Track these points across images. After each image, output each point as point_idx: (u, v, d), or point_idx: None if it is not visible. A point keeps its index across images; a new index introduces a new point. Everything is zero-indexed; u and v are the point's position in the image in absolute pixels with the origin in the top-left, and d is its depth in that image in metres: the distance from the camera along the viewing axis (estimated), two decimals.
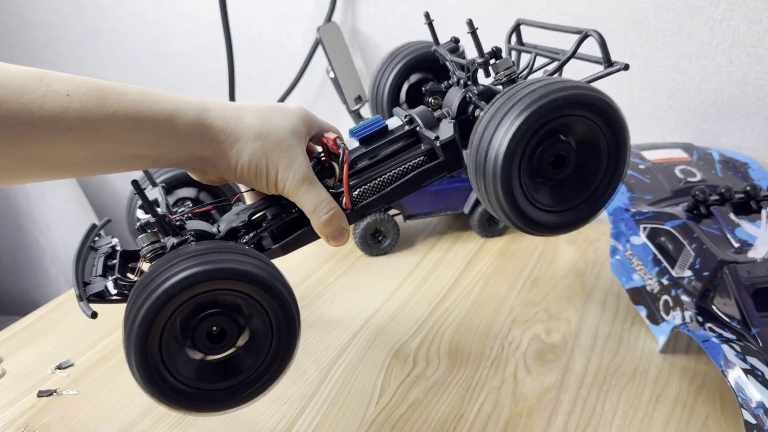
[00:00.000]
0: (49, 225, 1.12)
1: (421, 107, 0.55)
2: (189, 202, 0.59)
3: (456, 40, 0.58)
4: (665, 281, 0.67)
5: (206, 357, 0.42)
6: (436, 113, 0.54)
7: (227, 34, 1.07)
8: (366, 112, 1.01)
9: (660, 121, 0.90)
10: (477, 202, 0.90)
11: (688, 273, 0.65)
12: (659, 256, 0.69)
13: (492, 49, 0.51)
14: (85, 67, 1.29)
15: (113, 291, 0.46)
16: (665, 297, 0.67)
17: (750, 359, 0.56)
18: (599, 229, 0.93)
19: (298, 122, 0.50)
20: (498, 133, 0.43)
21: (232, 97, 1.11)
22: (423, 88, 0.64)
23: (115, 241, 0.51)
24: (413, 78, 0.64)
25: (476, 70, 0.54)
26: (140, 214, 0.47)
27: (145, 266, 0.47)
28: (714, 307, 0.62)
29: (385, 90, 0.63)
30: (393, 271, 0.84)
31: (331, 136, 0.51)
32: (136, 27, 1.23)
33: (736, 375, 0.55)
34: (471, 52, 0.54)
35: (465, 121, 0.53)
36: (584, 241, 0.90)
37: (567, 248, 0.88)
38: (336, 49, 1.00)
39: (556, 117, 0.43)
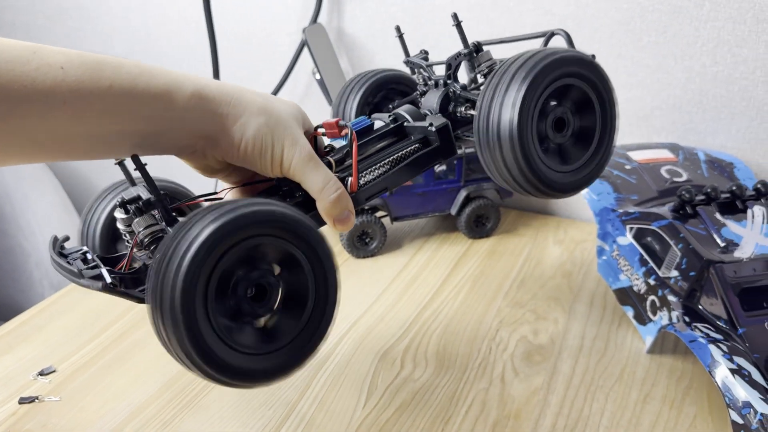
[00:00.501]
0: (33, 229, 1.10)
1: (406, 105, 0.56)
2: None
3: (426, 52, 0.62)
4: (652, 281, 0.67)
5: (251, 318, 0.38)
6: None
7: (212, 35, 1.06)
8: None
9: (646, 121, 0.90)
10: (464, 204, 0.90)
11: (674, 273, 0.65)
12: (646, 256, 0.69)
13: (473, 43, 0.55)
14: None
15: (109, 279, 0.43)
16: (652, 297, 0.67)
17: (737, 359, 0.56)
18: (586, 229, 0.93)
19: (296, 110, 0.50)
20: (508, 97, 0.46)
21: None
22: (390, 107, 0.64)
23: (85, 248, 0.49)
24: (378, 97, 0.65)
25: (458, 66, 0.56)
26: (118, 214, 0.45)
27: (140, 253, 0.45)
28: (701, 307, 0.62)
29: (352, 110, 0.63)
30: (380, 273, 0.83)
31: (330, 120, 0.51)
32: (121, 28, 1.22)
33: (723, 375, 0.55)
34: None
35: (448, 118, 0.55)
36: (571, 242, 0.90)
37: (554, 248, 0.88)
38: (322, 50, 0.99)
39: (557, 78, 0.47)
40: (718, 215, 0.68)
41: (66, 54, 0.40)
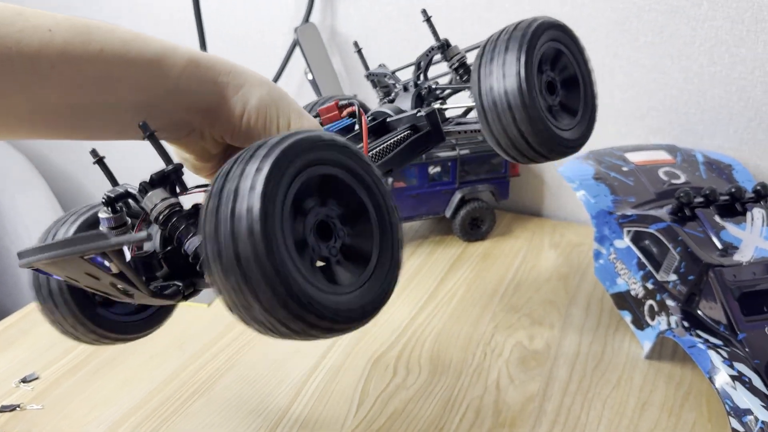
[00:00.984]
0: (20, 232, 1.08)
1: (386, 105, 0.57)
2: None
3: (384, 66, 0.66)
4: (650, 285, 0.66)
5: (315, 257, 0.34)
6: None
7: (201, 35, 1.04)
8: None
9: (642, 121, 0.89)
10: (459, 206, 0.88)
11: (673, 277, 0.63)
12: (643, 259, 0.68)
13: (442, 40, 0.58)
14: None
15: (128, 256, 0.38)
16: (650, 302, 0.66)
17: (737, 365, 0.55)
18: (582, 232, 0.91)
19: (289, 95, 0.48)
20: (509, 66, 0.48)
21: None
22: None
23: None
24: None
25: (429, 63, 0.59)
26: (103, 214, 0.41)
27: (149, 230, 0.41)
28: (700, 311, 0.61)
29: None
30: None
31: (327, 104, 0.50)
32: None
33: (723, 381, 0.54)
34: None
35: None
36: (567, 245, 0.88)
37: (550, 252, 0.87)
38: (314, 50, 0.98)
39: (544, 42, 0.50)
40: (717, 218, 0.67)
41: (54, 17, 0.37)
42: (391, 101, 0.59)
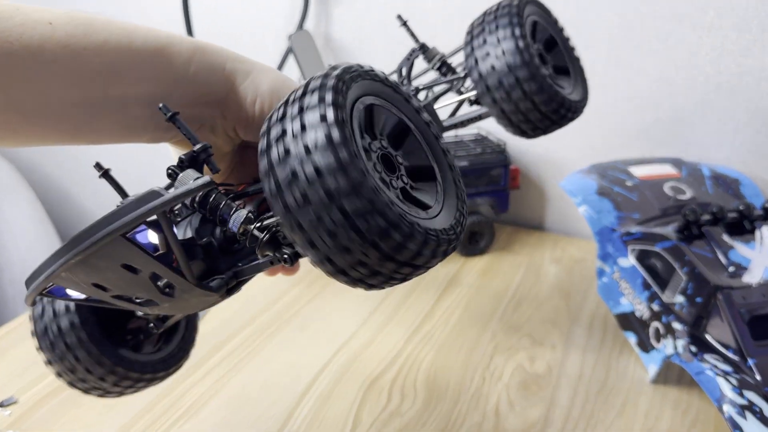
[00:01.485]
0: (7, 244, 1.05)
1: None
2: None
3: None
4: (655, 307, 0.63)
5: (397, 186, 0.32)
6: None
7: None
8: None
9: (646, 133, 0.86)
10: None
11: (679, 299, 0.61)
12: (649, 279, 0.65)
13: (419, 43, 0.60)
14: None
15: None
16: (656, 324, 0.63)
17: (747, 393, 0.52)
18: (584, 247, 0.89)
19: None
20: (504, 41, 0.50)
21: None
22: None
23: None
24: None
25: (411, 67, 0.61)
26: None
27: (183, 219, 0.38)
28: (708, 335, 0.58)
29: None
30: (367, 294, 0.79)
31: None
32: None
33: (732, 411, 0.51)
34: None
35: None
36: (569, 260, 0.86)
37: (551, 267, 0.84)
38: (308, 57, 0.95)
39: (527, 16, 0.53)
40: (725, 236, 0.64)
41: (52, 11, 0.35)
42: None
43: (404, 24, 0.61)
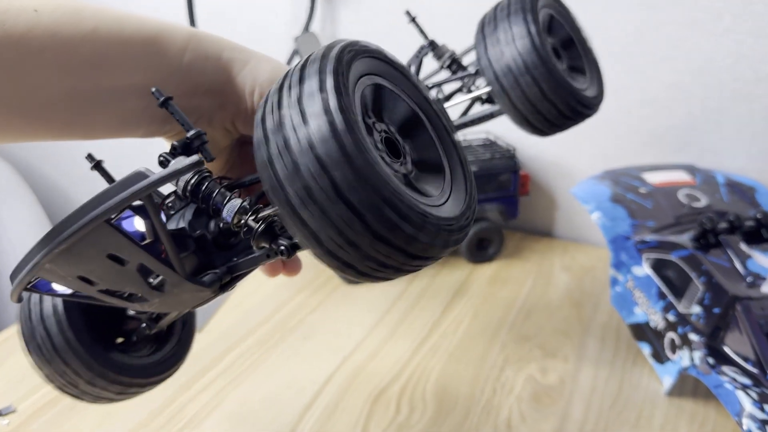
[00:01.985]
0: (5, 247, 1.03)
1: None
2: None
3: None
4: (671, 317, 0.61)
5: (401, 172, 0.30)
6: None
7: None
8: None
9: (660, 140, 0.84)
10: None
11: (696, 309, 0.59)
12: (664, 289, 0.63)
13: (428, 41, 0.59)
14: None
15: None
16: (671, 334, 0.61)
17: None
18: (595, 254, 0.87)
19: None
20: (516, 27, 0.48)
21: None
22: None
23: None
24: None
25: (420, 64, 0.59)
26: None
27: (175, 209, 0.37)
28: (726, 347, 0.57)
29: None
30: (374, 302, 0.77)
31: None
32: None
33: (753, 426, 0.49)
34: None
35: None
36: (580, 269, 0.84)
37: (561, 275, 0.82)
38: None
39: (542, 7, 0.51)
40: (743, 245, 0.62)
41: None
42: None
43: (413, 20, 0.59)
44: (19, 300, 0.33)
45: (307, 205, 0.25)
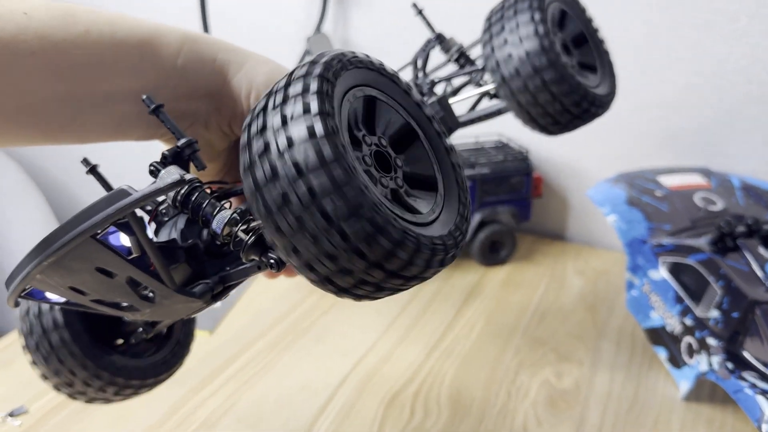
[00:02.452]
0: (12, 248, 1.03)
1: None
2: None
3: None
4: (688, 322, 0.61)
5: (389, 187, 0.29)
6: None
7: None
8: None
9: (673, 142, 0.84)
10: (478, 229, 0.83)
11: (714, 313, 0.58)
12: (681, 293, 0.63)
13: (436, 33, 0.57)
14: None
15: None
16: (688, 339, 0.61)
17: None
18: (608, 258, 0.86)
19: None
20: (523, 27, 0.46)
21: None
22: None
23: None
24: None
25: (427, 58, 0.58)
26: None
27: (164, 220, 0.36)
28: (745, 352, 0.56)
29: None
30: (386, 305, 0.77)
31: None
32: None
33: None
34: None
35: None
36: (593, 272, 0.83)
37: (575, 279, 0.82)
38: None
39: (550, 3, 0.49)
40: (761, 249, 0.62)
41: (28, 0, 0.33)
42: None
43: (420, 12, 0.58)
44: (16, 305, 0.33)
45: (284, 212, 0.24)
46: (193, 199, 0.31)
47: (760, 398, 0.51)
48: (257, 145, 0.25)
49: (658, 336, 0.65)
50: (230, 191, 0.36)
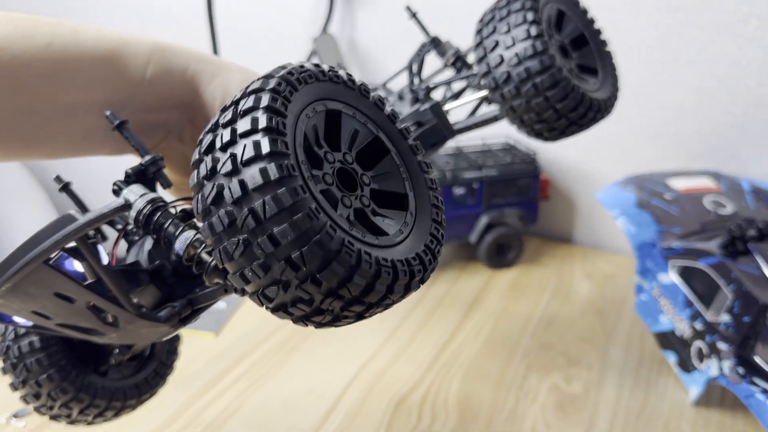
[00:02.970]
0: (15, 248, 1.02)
1: None
2: None
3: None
4: (698, 326, 0.60)
5: (353, 207, 0.27)
6: None
7: (214, 45, 1.00)
8: None
9: (684, 145, 0.83)
10: (485, 231, 0.83)
11: (725, 317, 0.58)
12: (691, 297, 0.62)
13: (431, 37, 0.56)
14: None
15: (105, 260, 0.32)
16: (698, 343, 0.60)
17: None
18: (616, 261, 0.86)
19: None
20: (515, 28, 0.44)
21: None
22: None
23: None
24: None
25: (422, 63, 0.56)
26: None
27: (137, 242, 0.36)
28: (756, 357, 0.55)
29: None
30: (393, 308, 0.76)
31: None
32: None
33: None
34: None
35: None
36: (601, 275, 0.83)
37: (583, 282, 0.81)
38: (332, 61, 0.93)
39: (546, 3, 0.47)
40: None
41: None
42: None
43: (413, 16, 0.56)
44: None
45: (230, 234, 0.23)
46: (155, 219, 0.30)
47: None
48: (205, 164, 0.24)
49: (667, 340, 0.64)
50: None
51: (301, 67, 0.27)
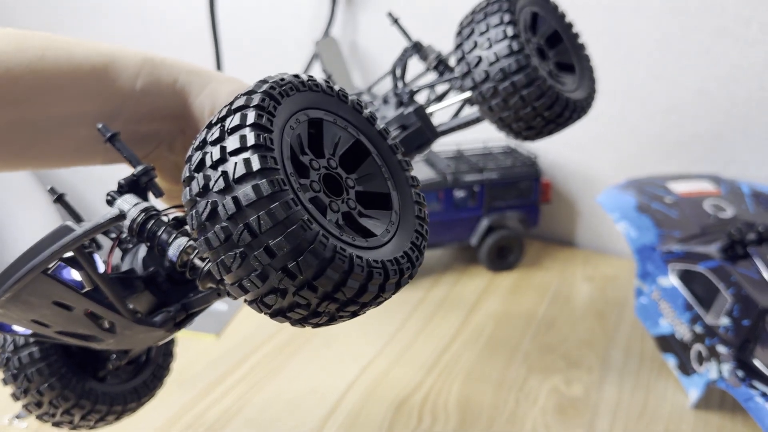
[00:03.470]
0: (20, 249, 1.03)
1: None
2: None
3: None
4: (698, 329, 0.60)
5: (341, 211, 0.28)
6: None
7: (216, 48, 1.00)
8: None
9: (684, 149, 0.84)
10: (486, 234, 0.83)
11: (724, 321, 0.58)
12: (691, 300, 0.62)
13: (412, 42, 0.57)
14: None
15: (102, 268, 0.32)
16: (698, 346, 0.60)
17: None
18: (617, 264, 0.86)
19: None
20: (493, 29, 0.45)
21: None
22: None
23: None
24: None
25: (405, 67, 0.57)
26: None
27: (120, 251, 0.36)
28: (756, 360, 0.55)
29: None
30: (393, 310, 0.77)
31: None
32: (122, 38, 1.17)
33: None
34: None
35: None
36: (602, 278, 0.83)
37: (584, 285, 0.81)
38: (334, 64, 0.93)
39: (522, 8, 0.48)
40: None
41: None
42: None
43: (395, 22, 0.57)
44: None
45: (227, 248, 0.24)
46: (148, 227, 0.31)
47: None
48: (197, 181, 0.24)
49: (667, 343, 0.65)
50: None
51: (282, 80, 0.27)
